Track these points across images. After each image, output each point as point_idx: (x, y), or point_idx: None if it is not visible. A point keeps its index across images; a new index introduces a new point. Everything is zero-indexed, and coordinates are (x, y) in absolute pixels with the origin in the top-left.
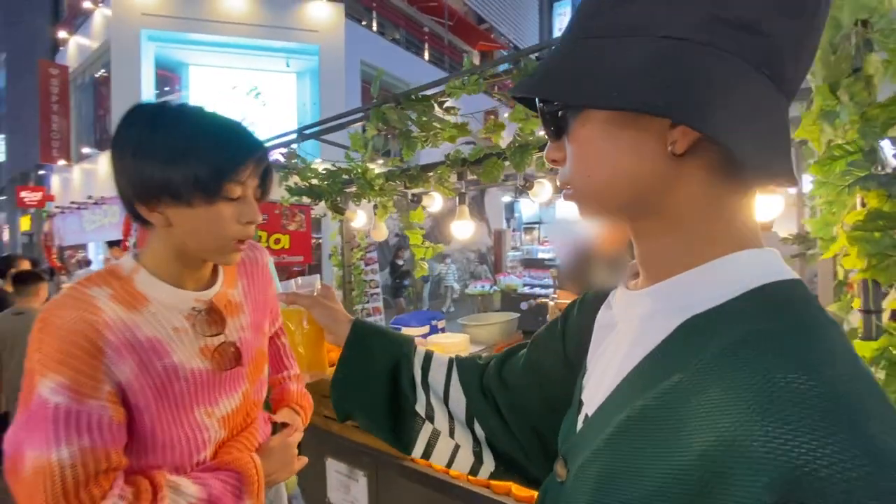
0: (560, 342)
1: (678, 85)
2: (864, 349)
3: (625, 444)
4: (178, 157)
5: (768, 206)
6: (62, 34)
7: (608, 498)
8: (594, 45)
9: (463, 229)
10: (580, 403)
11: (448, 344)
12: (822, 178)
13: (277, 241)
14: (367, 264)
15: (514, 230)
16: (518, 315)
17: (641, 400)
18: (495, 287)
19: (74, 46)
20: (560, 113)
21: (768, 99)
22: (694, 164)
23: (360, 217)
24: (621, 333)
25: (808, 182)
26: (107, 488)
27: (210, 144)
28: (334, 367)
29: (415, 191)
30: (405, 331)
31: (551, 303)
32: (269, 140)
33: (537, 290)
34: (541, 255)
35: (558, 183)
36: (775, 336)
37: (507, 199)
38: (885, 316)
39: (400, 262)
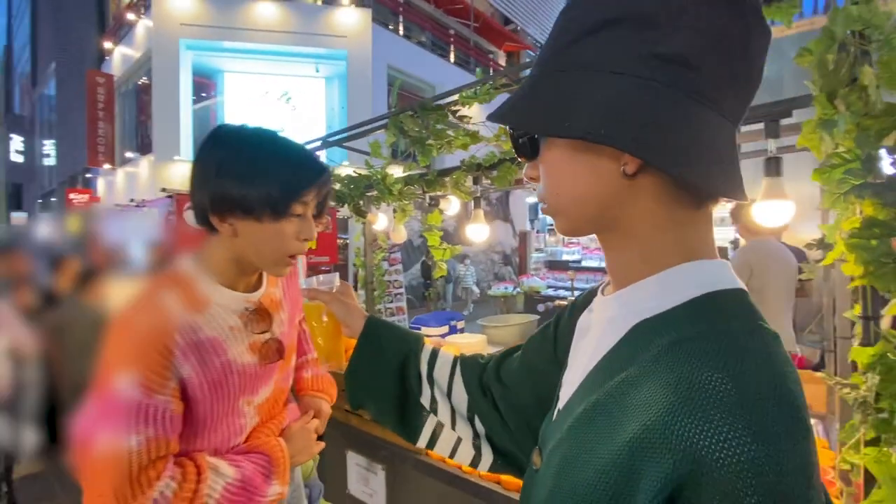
0: (551, 344)
1: (620, 115)
2: (861, 355)
3: (580, 433)
4: (255, 177)
5: (778, 212)
6: (108, 44)
7: (565, 481)
8: (553, 80)
9: (478, 232)
10: (557, 399)
11: (465, 344)
12: (822, 186)
13: None
14: (390, 265)
15: (538, 231)
16: (537, 317)
17: (596, 394)
18: (518, 289)
19: (119, 56)
20: (529, 138)
21: (707, 124)
22: (646, 183)
23: (381, 219)
24: (592, 335)
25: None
26: (161, 470)
27: (283, 168)
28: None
29: (433, 194)
30: (424, 331)
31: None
32: None
33: (561, 293)
34: (565, 257)
35: (537, 198)
36: (703, 340)
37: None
38: (885, 322)
39: (431, 263)
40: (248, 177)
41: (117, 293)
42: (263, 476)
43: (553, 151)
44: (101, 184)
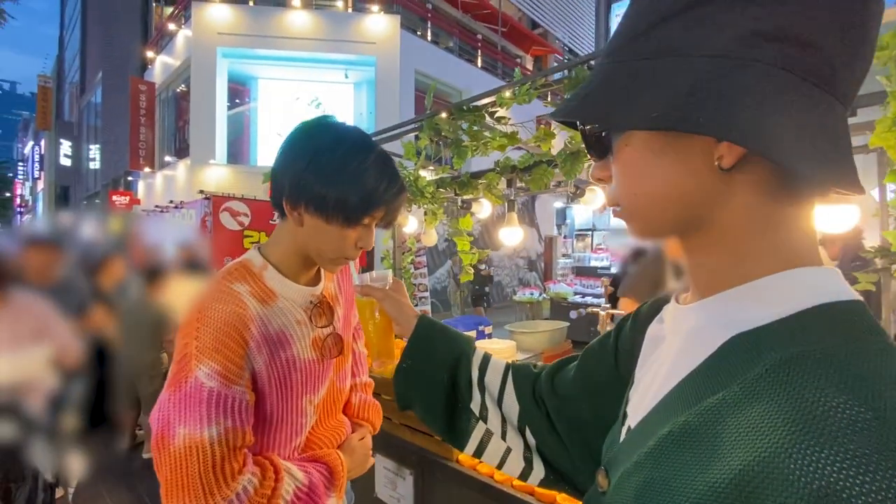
0: (612, 356)
1: (719, 102)
2: None
3: (665, 458)
4: (340, 182)
5: (842, 216)
6: (150, 54)
7: None
8: (632, 68)
9: (511, 236)
10: (625, 416)
11: (494, 350)
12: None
13: None
14: (416, 268)
15: (565, 237)
16: (567, 324)
17: (684, 415)
18: (544, 295)
19: (160, 64)
20: (603, 133)
21: (820, 108)
22: (743, 178)
23: (411, 222)
24: (668, 347)
25: (891, 191)
26: (241, 464)
27: (369, 181)
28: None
29: (465, 197)
30: None
31: (602, 312)
32: None
33: (588, 300)
34: (593, 263)
35: (606, 201)
36: (823, 358)
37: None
38: None
39: (482, 267)
40: (333, 178)
41: (164, 291)
42: (325, 487)
43: (632, 147)
44: (141, 186)
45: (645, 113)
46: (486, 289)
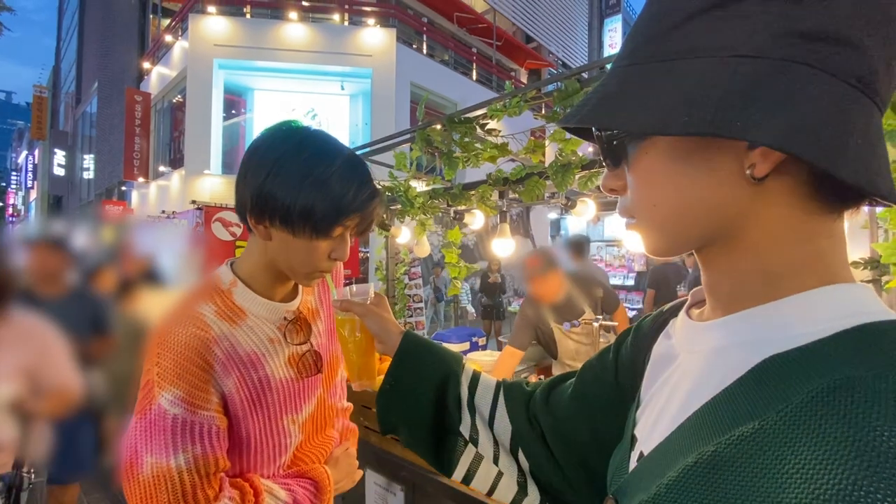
0: (612, 372)
1: (754, 104)
2: None
3: (693, 491)
4: (305, 190)
5: None
6: (146, 65)
7: None
8: (654, 70)
9: (504, 247)
10: (633, 439)
11: (488, 362)
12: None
13: None
14: (410, 279)
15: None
16: None
17: (713, 445)
18: None
19: (156, 75)
20: (618, 140)
21: (860, 112)
22: (777, 188)
23: (404, 233)
24: (684, 367)
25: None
26: (217, 490)
27: (337, 188)
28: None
29: (457, 208)
30: (445, 346)
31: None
32: None
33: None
34: None
35: (618, 212)
36: (876, 384)
37: (553, 215)
38: None
39: (495, 278)
40: (296, 188)
41: (151, 302)
42: (311, 502)
43: (651, 155)
44: (134, 196)
45: (671, 117)
46: (500, 299)
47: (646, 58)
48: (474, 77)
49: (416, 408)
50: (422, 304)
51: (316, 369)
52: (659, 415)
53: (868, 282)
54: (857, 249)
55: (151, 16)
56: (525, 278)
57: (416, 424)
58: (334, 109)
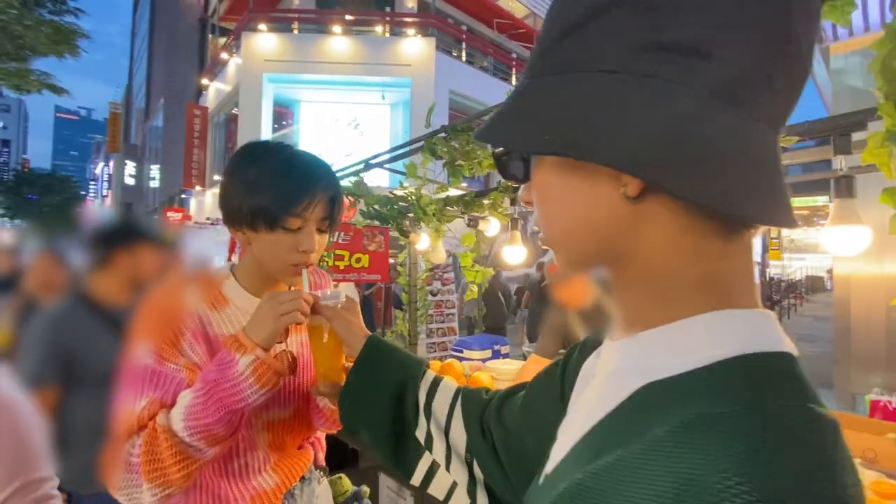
0: (558, 386)
1: (609, 123)
2: None
3: None
4: (251, 190)
5: (852, 238)
6: (205, 81)
7: None
8: (537, 85)
9: (514, 254)
10: (547, 456)
11: (504, 370)
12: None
13: (358, 261)
14: (443, 284)
15: None
16: None
17: (580, 472)
18: None
19: (213, 90)
20: (506, 157)
21: (734, 130)
22: (656, 208)
23: (423, 239)
24: (593, 386)
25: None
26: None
27: (277, 182)
28: None
29: (472, 215)
30: (467, 353)
31: None
32: (339, 170)
33: None
34: None
35: (535, 227)
36: (725, 424)
37: None
38: None
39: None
40: (247, 189)
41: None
42: (223, 366)
43: (542, 172)
44: (193, 203)
45: (538, 137)
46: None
47: (536, 71)
48: (513, 82)
49: (375, 411)
50: (454, 310)
51: (289, 371)
52: (568, 433)
53: None
54: None
55: (210, 35)
56: (550, 285)
57: (376, 427)
58: (375, 119)
